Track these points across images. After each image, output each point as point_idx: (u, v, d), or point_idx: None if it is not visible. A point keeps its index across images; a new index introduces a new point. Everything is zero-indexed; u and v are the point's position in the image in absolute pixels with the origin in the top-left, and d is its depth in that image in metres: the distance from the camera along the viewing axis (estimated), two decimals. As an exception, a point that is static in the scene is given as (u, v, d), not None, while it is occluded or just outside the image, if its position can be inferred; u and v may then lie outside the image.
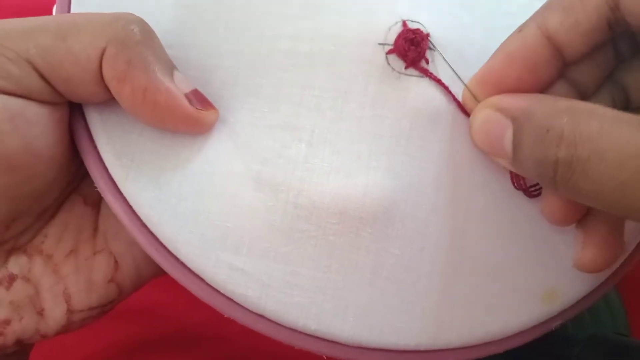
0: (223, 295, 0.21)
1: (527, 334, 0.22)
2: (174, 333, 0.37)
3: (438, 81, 0.22)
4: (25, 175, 0.20)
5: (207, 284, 0.21)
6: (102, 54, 0.19)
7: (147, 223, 0.21)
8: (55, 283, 0.22)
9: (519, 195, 0.22)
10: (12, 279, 0.21)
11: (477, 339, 0.22)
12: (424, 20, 0.22)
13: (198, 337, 0.37)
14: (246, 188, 0.21)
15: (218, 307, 0.21)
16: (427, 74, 0.22)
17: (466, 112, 0.22)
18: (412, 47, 0.21)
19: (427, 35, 0.22)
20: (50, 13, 0.40)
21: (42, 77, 0.19)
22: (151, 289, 0.37)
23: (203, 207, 0.21)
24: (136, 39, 0.19)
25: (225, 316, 0.21)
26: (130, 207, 0.21)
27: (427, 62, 0.22)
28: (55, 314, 0.21)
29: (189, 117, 0.20)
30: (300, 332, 0.21)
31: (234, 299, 0.21)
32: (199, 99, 0.21)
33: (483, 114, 0.20)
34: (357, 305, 0.21)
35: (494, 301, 0.22)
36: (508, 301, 0.22)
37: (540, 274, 0.22)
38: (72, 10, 0.22)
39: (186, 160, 0.21)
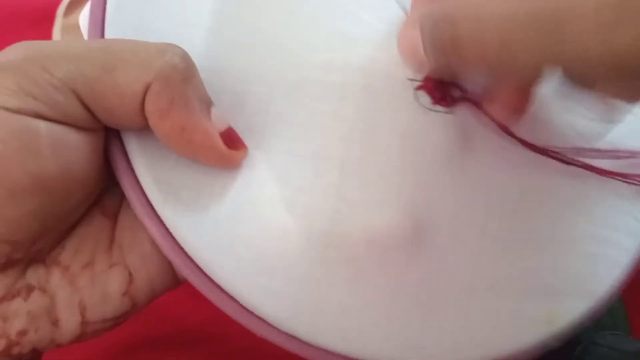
0: (257, 316, 0.22)
1: (529, 354, 0.23)
2: (174, 332, 0.37)
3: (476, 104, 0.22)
4: (59, 197, 0.20)
5: (242, 306, 0.22)
6: (147, 89, 0.20)
7: (184, 246, 0.21)
8: (71, 294, 0.22)
9: (529, 219, 0.24)
10: (30, 290, 0.21)
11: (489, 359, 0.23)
12: None
13: (198, 336, 0.37)
14: (280, 215, 0.22)
15: (252, 327, 0.22)
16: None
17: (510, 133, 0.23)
18: (439, 86, 0.22)
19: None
20: (51, 14, 0.41)
21: (84, 106, 0.20)
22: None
23: (239, 233, 0.22)
24: (179, 76, 0.20)
25: (258, 336, 0.22)
26: (167, 230, 0.22)
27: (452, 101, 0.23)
28: (70, 325, 0.22)
29: (221, 156, 0.21)
30: (330, 352, 0.22)
31: (267, 320, 0.22)
32: (232, 137, 0.22)
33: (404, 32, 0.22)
34: (379, 326, 0.22)
35: (502, 320, 0.23)
36: (516, 322, 0.23)
37: (544, 295, 0.23)
38: (107, 32, 0.22)
39: (222, 187, 0.22)
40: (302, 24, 0.23)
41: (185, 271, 0.22)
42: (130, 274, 0.23)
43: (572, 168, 0.24)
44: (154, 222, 0.21)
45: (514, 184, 0.24)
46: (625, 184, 0.24)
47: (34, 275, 0.22)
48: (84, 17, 0.36)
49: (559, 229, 0.24)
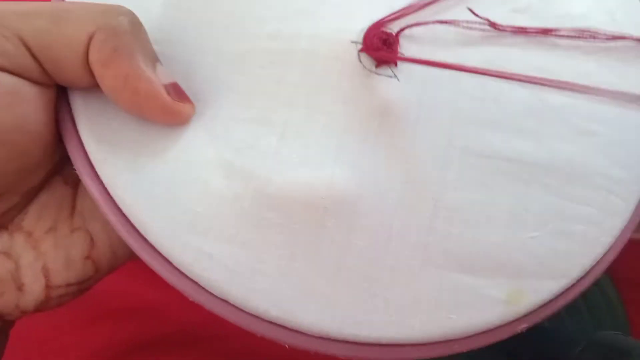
0: (189, 279, 0.21)
1: (491, 335, 0.22)
2: (173, 333, 0.37)
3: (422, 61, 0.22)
4: (15, 151, 0.21)
5: (175, 267, 0.21)
6: (91, 39, 0.20)
7: (120, 205, 0.22)
8: (35, 259, 0.22)
9: (490, 191, 0.23)
10: None
11: (440, 336, 0.22)
12: (397, 27, 0.23)
13: (197, 337, 0.37)
14: (217, 176, 0.22)
15: (184, 290, 0.21)
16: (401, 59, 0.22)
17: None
18: (383, 47, 0.22)
19: (397, 36, 0.23)
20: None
21: (34, 57, 0.20)
22: (150, 289, 0.37)
23: (175, 193, 0.22)
24: (124, 29, 0.21)
25: (191, 300, 0.22)
26: (105, 189, 0.22)
27: (396, 65, 0.23)
28: (34, 290, 0.22)
29: (166, 107, 0.21)
30: (262, 319, 0.21)
31: (200, 283, 0.21)
32: (177, 91, 0.22)
33: None
34: (320, 294, 0.21)
35: (459, 298, 0.22)
36: (473, 299, 0.22)
37: (506, 272, 0.22)
38: None
39: (163, 149, 0.22)
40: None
41: (120, 230, 0.22)
42: (91, 239, 0.23)
43: (544, 137, 0.23)
44: (93, 180, 0.22)
45: (475, 155, 0.23)
46: (600, 156, 0.23)
47: None
48: None
49: (527, 204, 0.23)
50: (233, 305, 0.21)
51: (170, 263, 0.21)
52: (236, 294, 0.21)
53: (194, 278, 0.21)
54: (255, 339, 0.36)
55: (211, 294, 0.21)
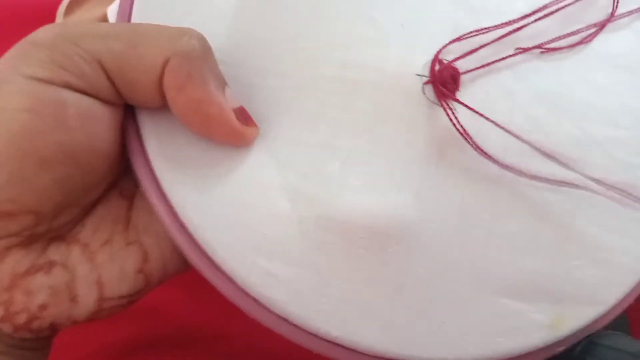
0: (251, 297, 0.22)
1: (532, 356, 0.24)
2: (174, 333, 0.37)
3: (472, 109, 0.23)
4: (83, 169, 0.21)
5: (238, 287, 0.22)
6: (166, 64, 0.21)
7: (187, 225, 0.22)
8: (90, 271, 0.22)
9: (538, 220, 0.24)
10: (52, 265, 0.22)
11: (487, 357, 0.23)
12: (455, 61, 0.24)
13: (198, 337, 0.37)
14: (282, 199, 0.22)
15: (247, 309, 0.22)
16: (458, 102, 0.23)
17: (474, 145, 0.24)
18: (451, 81, 0.23)
19: (459, 72, 0.24)
20: (52, 13, 0.41)
21: (109, 79, 0.21)
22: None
23: (241, 214, 0.22)
24: (197, 54, 0.21)
25: (251, 317, 0.22)
26: (171, 208, 0.22)
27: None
28: (87, 301, 0.22)
29: (234, 131, 0.22)
30: (322, 338, 0.22)
31: (261, 302, 0.22)
32: (244, 115, 0.23)
33: None
34: (380, 317, 0.22)
35: (507, 322, 0.23)
36: (520, 324, 0.23)
37: (551, 298, 0.24)
38: (133, 19, 0.23)
39: (229, 170, 0.22)
40: (321, 23, 0.24)
41: (186, 249, 0.22)
42: (145, 253, 0.24)
43: (589, 169, 0.24)
44: (159, 199, 0.22)
45: (525, 184, 0.24)
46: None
47: (55, 252, 0.22)
48: (111, 12, 0.36)
49: (570, 235, 0.24)
50: (293, 324, 0.22)
51: (234, 283, 0.22)
52: (298, 313, 0.22)
53: (256, 297, 0.22)
54: (255, 339, 0.37)
55: (272, 312, 0.22)
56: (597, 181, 0.24)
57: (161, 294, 0.37)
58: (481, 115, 0.23)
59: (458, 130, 0.23)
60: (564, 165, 0.24)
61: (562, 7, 0.25)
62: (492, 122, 0.23)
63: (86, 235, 0.23)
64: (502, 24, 0.25)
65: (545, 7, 0.25)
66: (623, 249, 0.25)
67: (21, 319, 0.21)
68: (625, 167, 0.25)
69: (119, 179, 0.24)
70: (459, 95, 0.24)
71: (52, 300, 0.22)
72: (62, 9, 0.41)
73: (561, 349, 0.24)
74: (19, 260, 0.21)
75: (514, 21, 0.25)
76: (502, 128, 0.23)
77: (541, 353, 0.24)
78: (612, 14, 0.26)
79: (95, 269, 0.23)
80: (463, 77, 0.24)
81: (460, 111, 0.23)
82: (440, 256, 0.23)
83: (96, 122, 0.21)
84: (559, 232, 0.24)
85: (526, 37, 0.25)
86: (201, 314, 0.37)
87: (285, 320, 0.22)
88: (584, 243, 0.24)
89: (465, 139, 0.23)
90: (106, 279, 0.23)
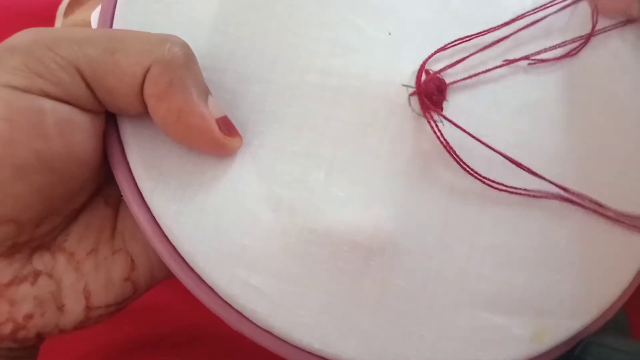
0: (234, 309, 0.22)
1: None
2: (174, 333, 0.37)
3: (457, 125, 0.23)
4: (63, 177, 0.21)
5: (220, 297, 0.22)
6: (146, 72, 0.20)
7: (168, 234, 0.22)
8: (76, 280, 0.22)
9: (521, 234, 0.24)
10: (37, 275, 0.22)
11: None
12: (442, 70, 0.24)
13: (198, 337, 0.37)
14: (265, 210, 0.22)
15: (228, 320, 0.22)
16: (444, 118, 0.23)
17: (458, 159, 0.23)
18: (437, 92, 0.23)
19: (446, 84, 0.23)
20: (51, 14, 0.41)
21: (88, 86, 0.20)
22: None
23: (223, 224, 0.22)
24: (179, 62, 0.21)
25: (234, 329, 0.22)
26: (153, 217, 0.22)
27: (442, 110, 0.23)
28: (74, 310, 0.22)
29: (216, 142, 0.22)
30: (304, 350, 0.22)
31: (244, 314, 0.22)
32: (227, 125, 0.22)
33: None
34: (360, 329, 0.22)
35: (488, 336, 0.23)
36: (500, 338, 0.23)
37: (532, 312, 0.23)
38: (115, 24, 0.23)
39: (211, 179, 0.22)
40: (304, 30, 0.24)
41: (167, 259, 0.22)
42: (132, 261, 0.24)
43: (567, 177, 0.24)
44: (141, 208, 0.22)
45: (508, 198, 0.24)
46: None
47: (40, 261, 0.22)
48: (94, 17, 0.36)
49: (552, 249, 0.24)
50: (276, 337, 0.22)
51: (215, 293, 0.22)
52: (280, 326, 0.22)
53: (238, 309, 0.22)
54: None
55: (255, 324, 0.22)
56: (579, 196, 0.24)
57: (161, 294, 0.37)
58: (466, 132, 0.23)
59: (442, 144, 0.23)
60: (546, 179, 0.24)
61: (546, 17, 0.25)
62: (476, 139, 0.23)
63: (71, 244, 0.23)
64: (488, 29, 0.24)
65: (528, 13, 0.25)
66: (605, 262, 0.24)
67: (6, 329, 0.21)
68: (607, 180, 0.25)
69: (103, 187, 0.24)
70: (446, 104, 0.23)
71: (37, 310, 0.22)
72: (62, 9, 0.41)
73: None
74: (2, 270, 0.21)
75: (498, 27, 0.25)
76: (486, 145, 0.23)
77: None
78: (592, 28, 0.26)
79: (81, 278, 0.23)
80: (450, 87, 0.24)
81: (446, 123, 0.23)
82: (421, 269, 0.23)
83: (75, 130, 0.20)
84: (541, 247, 0.24)
85: (512, 47, 0.25)
86: (201, 314, 0.37)
87: (269, 332, 0.22)
88: (567, 257, 0.24)
89: (449, 152, 0.23)
90: (93, 288, 0.23)
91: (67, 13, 0.41)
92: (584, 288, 0.24)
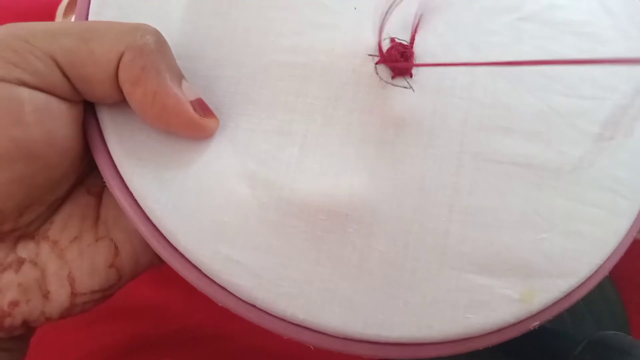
0: (218, 284, 0.22)
1: (506, 332, 0.23)
2: (174, 333, 0.37)
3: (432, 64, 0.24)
4: (43, 165, 0.21)
5: (204, 274, 0.22)
6: (120, 58, 0.21)
7: (150, 216, 0.22)
8: (60, 267, 0.23)
9: (502, 194, 0.24)
10: (20, 262, 0.22)
11: (458, 334, 0.23)
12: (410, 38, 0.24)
13: (198, 337, 0.37)
14: (242, 186, 0.23)
15: (212, 295, 0.22)
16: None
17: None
18: (401, 59, 0.23)
19: (412, 50, 0.24)
20: (50, 14, 0.41)
21: (64, 75, 0.21)
22: (151, 289, 0.37)
23: (203, 203, 0.22)
24: (151, 48, 0.21)
25: (219, 305, 0.22)
26: (135, 201, 0.22)
27: (411, 76, 0.24)
28: (60, 297, 0.23)
29: (192, 122, 0.22)
30: (289, 322, 0.22)
31: (228, 288, 0.22)
32: (202, 107, 0.23)
33: None
34: (343, 297, 0.22)
35: (475, 298, 0.23)
36: (488, 299, 0.23)
37: (519, 272, 0.23)
38: (90, 19, 0.24)
39: (189, 161, 0.23)
40: (273, 13, 0.25)
41: (151, 240, 0.22)
42: (115, 247, 0.24)
43: (552, 141, 0.24)
44: (122, 191, 0.22)
45: (487, 161, 0.24)
46: (606, 158, 0.25)
47: (24, 250, 0.23)
48: (60, 9, 0.37)
49: (538, 207, 0.24)
50: (260, 309, 0.22)
51: (199, 270, 0.22)
52: (263, 298, 0.22)
53: (222, 284, 0.22)
54: (255, 339, 0.36)
55: (239, 298, 0.22)
56: (561, 153, 0.24)
57: (161, 294, 0.38)
58: (441, 64, 0.23)
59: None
60: (526, 137, 0.24)
61: None
62: (454, 64, 0.23)
63: (55, 232, 0.23)
64: None
65: None
66: (592, 219, 0.24)
67: None
68: (590, 138, 0.25)
69: (85, 176, 0.25)
70: (417, 70, 0.24)
71: (22, 298, 0.22)
72: (61, 8, 0.41)
73: (536, 323, 0.23)
74: None
75: None
76: (465, 64, 0.23)
77: (515, 328, 0.23)
78: None
79: (65, 265, 0.23)
80: (421, 53, 0.24)
81: (417, 92, 0.23)
82: (401, 234, 0.23)
83: (54, 118, 0.21)
84: (524, 206, 0.24)
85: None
86: (201, 314, 0.37)
87: (253, 306, 0.22)
88: (551, 215, 0.24)
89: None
90: (77, 275, 0.23)
91: (66, 13, 0.41)
92: (571, 247, 0.24)
